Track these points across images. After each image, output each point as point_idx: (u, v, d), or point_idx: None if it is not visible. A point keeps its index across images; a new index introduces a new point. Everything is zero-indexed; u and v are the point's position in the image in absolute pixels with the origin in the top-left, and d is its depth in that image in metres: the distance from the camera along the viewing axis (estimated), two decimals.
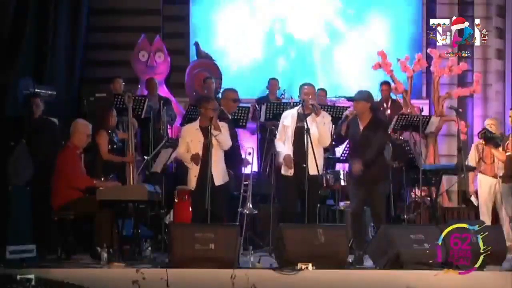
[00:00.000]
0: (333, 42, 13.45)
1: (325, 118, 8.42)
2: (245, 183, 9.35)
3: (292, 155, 8.27)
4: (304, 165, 8.06)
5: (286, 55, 13.45)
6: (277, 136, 8.56)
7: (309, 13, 13.40)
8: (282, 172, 8.41)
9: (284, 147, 8.35)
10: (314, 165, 8.13)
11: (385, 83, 11.81)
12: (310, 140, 8.03)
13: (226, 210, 8.68)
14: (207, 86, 11.64)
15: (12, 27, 10.41)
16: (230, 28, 13.33)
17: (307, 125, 8.08)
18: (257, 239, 9.52)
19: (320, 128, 8.25)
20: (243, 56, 13.31)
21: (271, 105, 10.55)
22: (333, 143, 9.04)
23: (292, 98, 11.42)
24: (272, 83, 11.79)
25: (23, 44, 10.60)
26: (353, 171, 8.25)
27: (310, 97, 8.34)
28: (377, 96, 11.07)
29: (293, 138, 8.30)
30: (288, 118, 8.41)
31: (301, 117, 8.25)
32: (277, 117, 9.43)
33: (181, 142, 8.50)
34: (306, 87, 8.46)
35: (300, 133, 8.18)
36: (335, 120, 10.69)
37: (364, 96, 8.35)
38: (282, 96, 11.66)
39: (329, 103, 11.46)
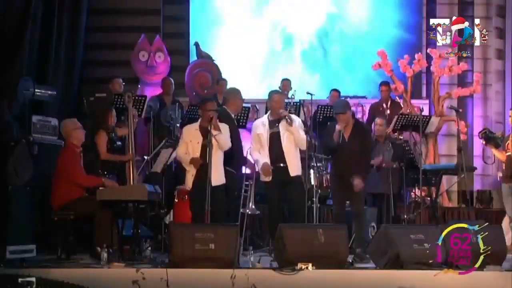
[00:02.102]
0: (332, 41, 13.46)
1: (297, 122, 8.56)
2: (246, 183, 9.38)
3: (269, 162, 8.46)
4: (282, 165, 8.38)
5: (285, 55, 13.47)
6: (252, 145, 8.71)
7: (308, 12, 13.41)
8: (261, 179, 8.62)
9: (260, 155, 8.54)
10: (295, 167, 8.43)
11: (384, 84, 11.81)
12: (315, 145, 8.14)
13: (226, 211, 8.69)
14: (220, 88, 11.54)
15: (13, 27, 10.42)
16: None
17: (310, 127, 8.29)
18: (257, 239, 9.52)
19: (295, 134, 8.44)
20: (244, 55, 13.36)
21: None
22: (325, 152, 9.34)
23: (293, 98, 11.42)
24: (285, 84, 11.79)
25: (23, 44, 10.61)
26: (356, 190, 8.38)
27: (279, 105, 8.56)
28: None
29: (268, 144, 8.49)
30: (260, 127, 8.60)
31: (272, 124, 8.51)
32: None
33: (181, 143, 8.51)
34: (275, 95, 8.70)
35: (275, 138, 8.46)
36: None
37: (348, 106, 8.63)
38: (293, 96, 11.65)
39: None
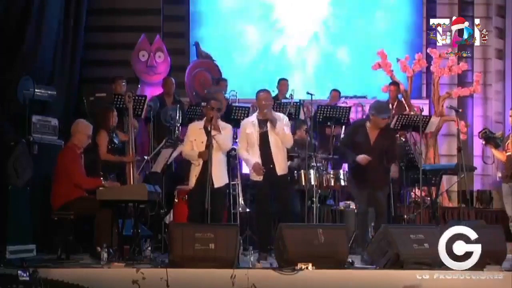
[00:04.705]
0: (332, 42, 13.46)
1: (284, 120, 8.56)
2: (233, 182, 9.38)
3: (260, 162, 8.45)
4: (271, 166, 8.40)
5: (284, 55, 13.47)
6: (239, 144, 8.70)
7: (307, 13, 13.41)
8: (251, 178, 8.61)
9: (249, 155, 8.52)
10: (282, 167, 8.46)
11: (394, 84, 11.80)
12: (315, 145, 8.12)
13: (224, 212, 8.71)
14: (222, 87, 11.53)
15: (13, 27, 10.41)
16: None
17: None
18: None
19: (281, 133, 8.44)
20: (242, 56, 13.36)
21: None
22: (338, 157, 9.57)
23: (291, 98, 11.43)
24: (282, 84, 11.80)
25: (23, 44, 10.60)
26: (393, 175, 8.74)
27: (264, 103, 8.50)
28: None
29: (258, 145, 8.47)
30: (250, 127, 8.56)
31: (262, 124, 8.48)
32: None
33: (186, 141, 8.52)
34: (261, 93, 8.63)
35: (263, 139, 8.45)
36: (337, 121, 10.74)
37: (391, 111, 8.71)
38: (291, 96, 11.66)
39: (341, 103, 11.54)
